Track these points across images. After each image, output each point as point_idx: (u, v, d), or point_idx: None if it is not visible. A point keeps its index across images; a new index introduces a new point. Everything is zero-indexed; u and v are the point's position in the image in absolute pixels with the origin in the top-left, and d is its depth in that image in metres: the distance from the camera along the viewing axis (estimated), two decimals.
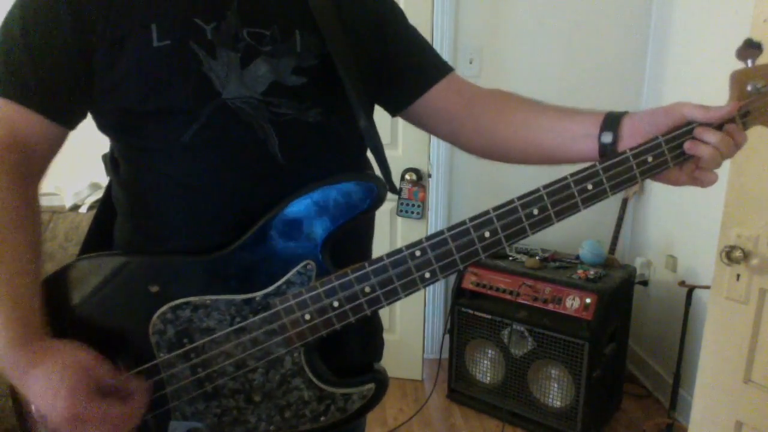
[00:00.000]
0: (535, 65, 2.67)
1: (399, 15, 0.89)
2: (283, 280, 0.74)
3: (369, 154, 0.87)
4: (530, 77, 2.66)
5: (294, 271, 0.74)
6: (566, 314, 2.11)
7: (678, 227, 2.48)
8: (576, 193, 0.72)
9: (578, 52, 2.66)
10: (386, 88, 0.87)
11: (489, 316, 2.30)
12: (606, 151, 0.75)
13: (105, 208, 0.86)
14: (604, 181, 0.72)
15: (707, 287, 1.84)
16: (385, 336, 0.94)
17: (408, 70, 0.87)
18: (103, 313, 0.75)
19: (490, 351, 2.36)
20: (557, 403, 2.20)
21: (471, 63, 2.65)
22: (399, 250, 0.73)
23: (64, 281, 0.75)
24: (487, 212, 0.72)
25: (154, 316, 0.73)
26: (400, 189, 2.51)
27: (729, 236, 1.40)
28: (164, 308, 0.73)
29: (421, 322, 2.68)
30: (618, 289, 2.18)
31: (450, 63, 0.90)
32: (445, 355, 2.52)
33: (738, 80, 0.73)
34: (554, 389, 2.21)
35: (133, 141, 0.76)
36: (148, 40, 0.70)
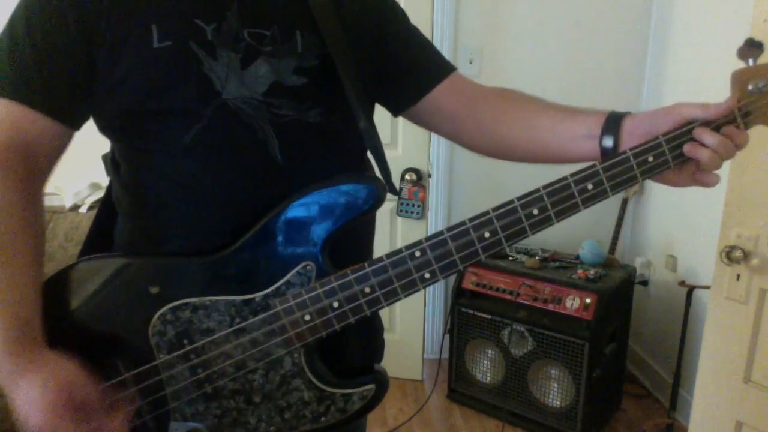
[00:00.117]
0: (535, 65, 2.67)
1: (400, 15, 0.89)
2: (283, 281, 0.74)
3: (369, 155, 0.87)
4: (530, 77, 2.66)
5: (294, 272, 0.74)
6: (566, 314, 2.11)
7: (678, 227, 2.48)
8: (576, 193, 0.72)
9: (578, 52, 2.66)
10: (388, 89, 0.87)
11: (489, 316, 2.30)
12: (607, 154, 0.75)
13: (105, 208, 0.86)
14: (605, 181, 0.72)
15: (707, 287, 1.84)
16: (385, 336, 0.94)
17: (410, 71, 0.87)
18: (103, 315, 0.75)
19: (490, 351, 2.36)
20: (557, 403, 2.20)
21: (471, 63, 2.65)
22: (399, 251, 0.73)
23: (65, 283, 0.75)
24: (486, 212, 0.72)
25: (154, 317, 0.73)
26: (400, 189, 2.51)
27: (729, 236, 1.40)
28: (164, 309, 0.73)
29: (421, 322, 2.68)
30: (618, 289, 2.18)
31: (449, 61, 0.90)
32: (445, 355, 2.52)
33: (739, 80, 0.73)
34: (554, 389, 2.21)
35: (133, 142, 0.76)
36: (149, 41, 0.70)
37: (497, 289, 2.27)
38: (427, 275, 0.72)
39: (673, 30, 2.50)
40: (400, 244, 2.61)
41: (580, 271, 2.21)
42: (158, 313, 0.73)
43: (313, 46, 0.77)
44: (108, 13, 0.70)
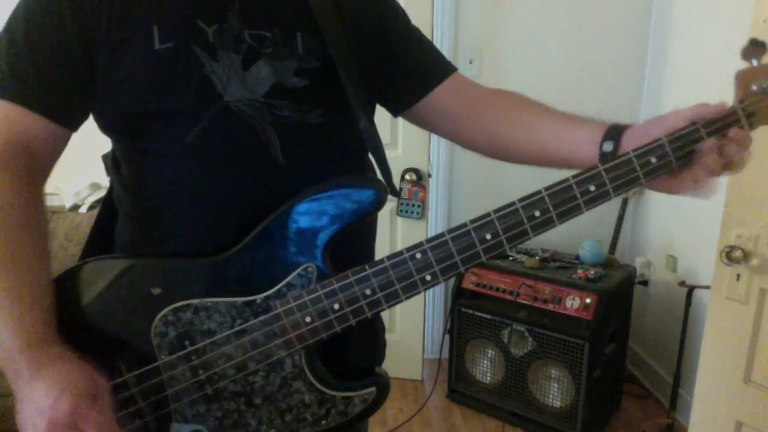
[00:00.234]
0: (535, 65, 2.67)
1: (401, 15, 0.88)
2: (284, 282, 0.74)
3: (370, 156, 0.87)
4: (530, 77, 2.66)
5: (295, 273, 0.74)
6: (566, 314, 2.11)
7: (678, 227, 2.48)
8: (578, 195, 0.71)
9: (578, 53, 2.66)
10: (389, 89, 0.87)
11: (489, 316, 2.30)
12: (605, 159, 0.75)
13: (106, 209, 0.86)
14: (607, 182, 0.71)
15: (707, 287, 1.84)
16: (386, 336, 0.94)
17: (411, 71, 0.87)
18: (106, 316, 0.75)
19: (490, 351, 2.36)
20: (557, 403, 2.20)
21: (471, 63, 2.64)
22: (400, 253, 0.72)
23: (68, 284, 0.75)
24: (488, 214, 0.71)
25: (156, 318, 0.73)
26: (400, 189, 2.50)
27: (729, 236, 1.40)
28: (166, 310, 0.73)
29: (421, 322, 2.68)
30: (618, 289, 2.18)
31: (449, 61, 0.90)
32: (445, 355, 2.52)
33: (743, 80, 0.72)
34: (554, 389, 2.21)
35: (135, 143, 0.76)
36: (150, 42, 0.70)
37: (497, 289, 2.27)
38: (428, 277, 0.72)
39: (673, 30, 2.50)
40: (400, 244, 2.60)
41: (580, 271, 2.21)
42: (160, 314, 0.73)
43: (313, 48, 0.77)
44: (108, 14, 0.70)
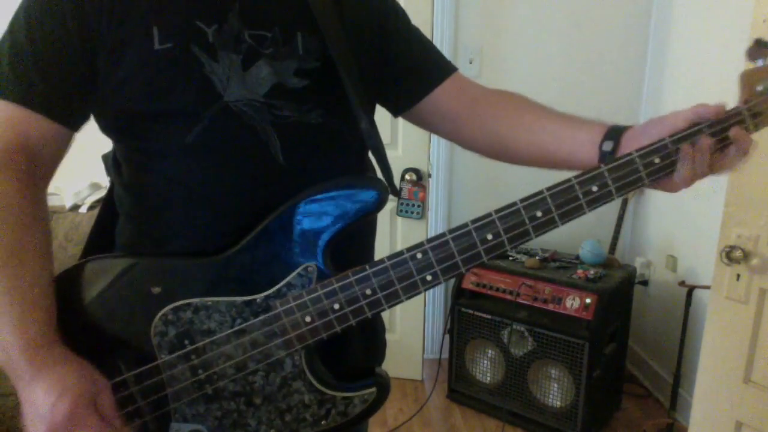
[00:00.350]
0: (535, 65, 2.67)
1: (401, 15, 0.88)
2: (284, 282, 0.73)
3: (371, 156, 0.87)
4: (530, 77, 2.66)
5: (295, 273, 0.74)
6: (566, 314, 2.11)
7: (678, 227, 2.48)
8: (581, 195, 0.70)
9: (578, 53, 2.66)
10: (389, 89, 0.87)
11: (489, 316, 2.30)
12: (605, 158, 0.74)
13: (107, 209, 0.86)
14: (610, 182, 0.70)
15: (707, 287, 1.84)
16: (386, 336, 0.94)
17: (411, 71, 0.87)
18: (106, 315, 0.75)
19: (490, 351, 2.36)
20: (557, 403, 2.20)
21: (471, 63, 2.65)
22: (400, 253, 0.72)
23: (68, 283, 0.75)
24: (489, 215, 0.71)
25: (156, 318, 0.73)
26: (400, 189, 2.50)
27: (729, 236, 1.40)
28: (166, 309, 0.73)
29: (421, 322, 2.68)
30: (618, 289, 2.18)
31: (450, 61, 0.90)
32: (445, 355, 2.52)
33: (748, 80, 0.71)
34: (554, 389, 2.21)
35: (135, 143, 0.76)
36: (150, 43, 0.70)
37: (497, 289, 2.27)
38: (428, 278, 0.72)
39: (673, 30, 2.50)
40: (400, 244, 2.59)
41: (580, 271, 2.21)
42: (160, 314, 0.73)
43: (314, 48, 0.77)
44: (108, 15, 0.70)
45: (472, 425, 2.37)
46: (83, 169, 1.71)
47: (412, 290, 0.73)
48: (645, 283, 2.65)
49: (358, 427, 0.81)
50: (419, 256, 0.72)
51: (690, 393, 1.95)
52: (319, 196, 0.73)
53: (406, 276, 0.72)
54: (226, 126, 0.73)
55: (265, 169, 0.75)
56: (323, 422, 0.77)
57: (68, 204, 2.24)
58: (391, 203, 2.52)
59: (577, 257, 2.39)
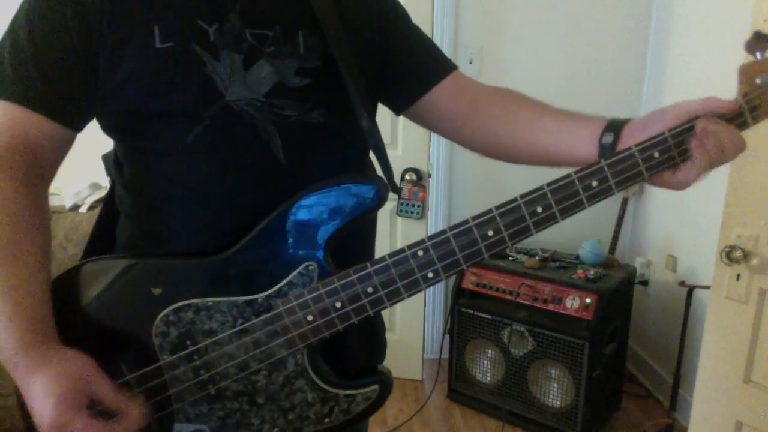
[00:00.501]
0: (535, 65, 2.67)
1: (402, 14, 0.88)
2: (285, 281, 0.73)
3: (371, 155, 0.87)
4: (530, 77, 2.66)
5: (296, 272, 0.74)
6: (566, 314, 2.11)
7: (678, 227, 2.48)
8: (581, 190, 0.70)
9: (578, 53, 2.67)
10: (390, 87, 0.87)
11: (489, 316, 2.30)
12: (605, 153, 0.74)
13: (108, 209, 0.86)
14: (610, 177, 0.70)
15: (707, 287, 1.84)
16: (386, 335, 0.94)
17: (412, 69, 0.87)
18: (107, 316, 0.75)
19: (490, 351, 2.36)
20: (557, 403, 2.20)
21: (471, 63, 2.65)
22: (401, 250, 0.72)
23: (69, 284, 0.75)
24: (489, 211, 0.71)
25: (157, 319, 0.73)
26: (400, 189, 2.51)
27: (729, 236, 1.40)
28: (167, 310, 0.73)
29: (421, 322, 2.68)
30: (618, 289, 2.19)
31: (450, 60, 0.90)
32: (445, 355, 2.52)
33: (747, 73, 0.70)
34: (554, 389, 2.21)
35: (136, 143, 0.76)
36: (151, 42, 0.70)
37: (497, 289, 2.27)
38: (430, 275, 0.72)
39: (673, 30, 2.50)
40: (400, 244, 2.60)
41: (580, 271, 2.21)
42: (161, 314, 0.73)
43: (315, 47, 0.77)
44: (109, 14, 0.70)
45: (472, 425, 2.37)
46: (83, 169, 1.71)
47: (413, 287, 0.73)
48: (645, 283, 2.66)
49: (358, 426, 0.81)
50: (420, 253, 0.72)
51: (690, 393, 1.95)
52: (319, 194, 0.73)
53: (408, 273, 0.72)
54: (228, 125, 0.73)
55: (267, 168, 0.75)
56: (326, 420, 0.76)
57: (68, 204, 2.24)
58: (391, 203, 2.52)
59: (577, 257, 2.39)
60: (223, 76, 0.72)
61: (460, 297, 2.38)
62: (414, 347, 2.69)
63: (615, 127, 0.75)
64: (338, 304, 0.73)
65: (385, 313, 0.79)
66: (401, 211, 2.52)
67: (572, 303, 2.10)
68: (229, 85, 0.73)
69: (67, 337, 0.71)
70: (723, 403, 1.47)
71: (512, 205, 0.71)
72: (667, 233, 2.56)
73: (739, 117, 0.70)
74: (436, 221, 2.77)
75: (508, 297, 2.24)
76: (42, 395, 0.65)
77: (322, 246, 0.74)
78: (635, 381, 2.69)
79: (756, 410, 1.40)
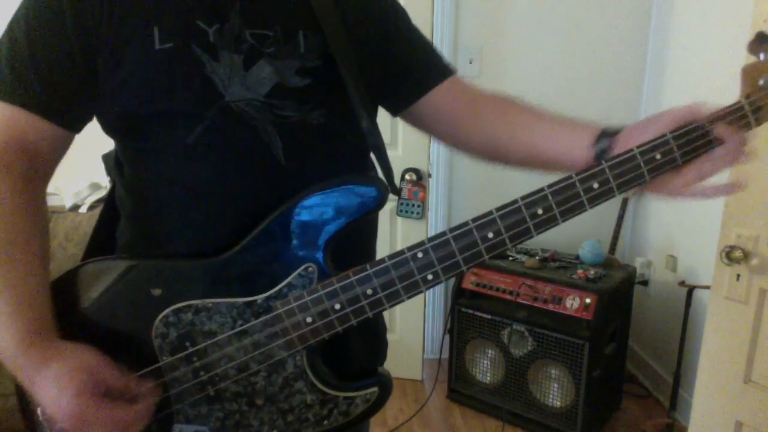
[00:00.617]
0: (535, 65, 2.67)
1: (402, 15, 0.88)
2: (284, 283, 0.73)
3: (372, 155, 0.87)
4: (530, 77, 2.66)
5: (295, 273, 0.73)
6: (566, 314, 2.11)
7: (678, 227, 2.48)
8: (582, 192, 0.70)
9: (578, 53, 2.66)
10: (388, 88, 0.87)
11: (489, 316, 2.30)
12: (600, 156, 0.74)
13: (108, 209, 0.86)
14: (611, 179, 0.70)
15: (707, 287, 1.84)
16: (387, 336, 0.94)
17: (410, 71, 0.87)
18: (106, 317, 0.75)
19: (490, 351, 2.36)
20: (557, 403, 2.20)
21: (471, 63, 2.65)
22: (401, 252, 0.72)
23: (69, 285, 0.75)
24: (490, 213, 0.71)
25: (157, 320, 0.73)
26: (400, 189, 2.50)
27: (729, 236, 1.40)
28: (167, 311, 0.73)
29: (421, 322, 2.68)
30: (618, 289, 2.19)
31: (450, 63, 0.90)
32: (445, 355, 2.52)
33: (749, 75, 0.70)
34: (554, 389, 2.21)
35: (136, 144, 0.76)
36: (151, 43, 0.70)
37: (497, 289, 2.27)
38: (429, 276, 0.72)
39: (673, 31, 2.50)
40: (400, 244, 2.59)
41: (580, 271, 2.21)
42: (161, 316, 0.73)
43: (315, 47, 0.77)
44: (108, 15, 0.70)
45: (472, 425, 2.37)
46: (83, 169, 1.71)
47: (413, 289, 0.73)
48: (645, 283, 2.66)
49: (358, 427, 0.81)
50: (420, 255, 0.72)
51: (690, 393, 1.95)
52: (319, 195, 0.73)
53: (407, 275, 0.72)
54: (228, 126, 0.73)
55: (267, 169, 0.75)
56: (325, 422, 0.76)
57: (68, 204, 2.24)
58: (391, 203, 2.52)
59: (577, 257, 2.39)
60: (223, 77, 0.72)
61: (460, 297, 2.38)
62: (414, 347, 2.69)
63: (610, 133, 0.75)
64: (337, 306, 0.73)
65: (385, 313, 0.78)
66: (401, 211, 2.52)
67: (572, 303, 2.10)
68: (228, 86, 0.73)
69: (67, 338, 0.71)
70: (723, 403, 1.47)
71: (513, 206, 0.71)
72: (667, 233, 2.56)
73: (742, 119, 0.70)
74: (436, 221, 2.76)
75: (508, 297, 2.24)
76: (57, 389, 0.65)
77: (322, 247, 0.74)
78: (635, 381, 2.69)
79: (756, 410, 1.41)
